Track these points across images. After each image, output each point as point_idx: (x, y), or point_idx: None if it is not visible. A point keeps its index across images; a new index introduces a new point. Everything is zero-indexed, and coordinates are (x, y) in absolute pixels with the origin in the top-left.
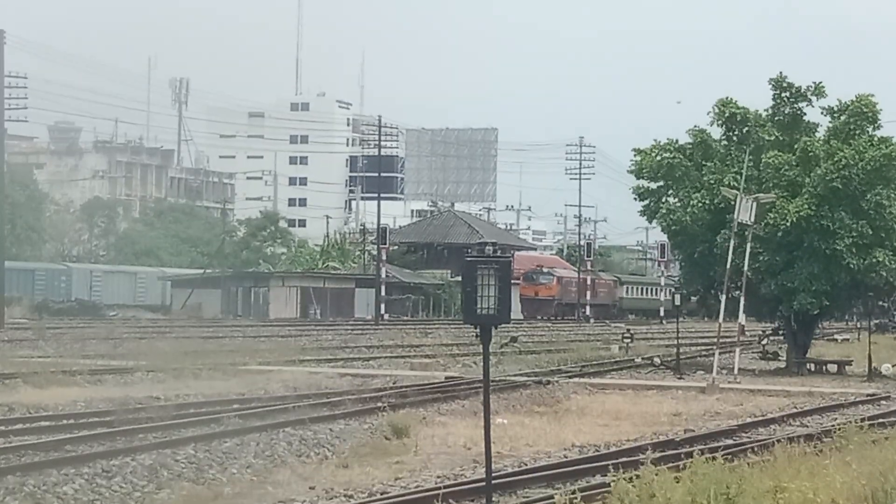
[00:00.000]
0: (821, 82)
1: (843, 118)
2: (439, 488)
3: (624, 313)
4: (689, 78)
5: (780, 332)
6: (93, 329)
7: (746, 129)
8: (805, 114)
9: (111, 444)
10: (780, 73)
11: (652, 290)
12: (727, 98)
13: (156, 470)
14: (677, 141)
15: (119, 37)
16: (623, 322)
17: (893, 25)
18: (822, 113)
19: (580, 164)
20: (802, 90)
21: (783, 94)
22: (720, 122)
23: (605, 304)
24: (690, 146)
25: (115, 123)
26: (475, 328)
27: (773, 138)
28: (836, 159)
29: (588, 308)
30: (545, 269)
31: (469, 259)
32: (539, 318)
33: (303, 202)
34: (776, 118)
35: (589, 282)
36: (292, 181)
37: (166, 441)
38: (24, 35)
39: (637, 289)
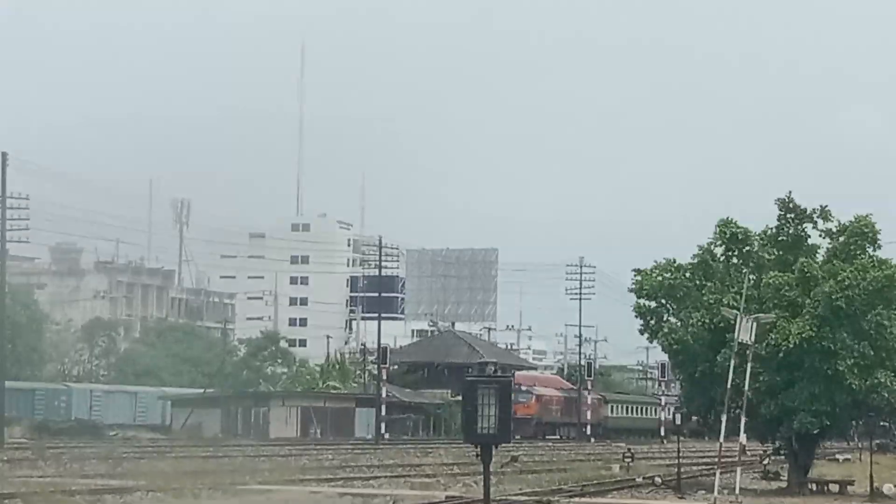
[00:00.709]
0: (826, 206)
1: (842, 239)
2: None
3: (609, 433)
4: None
5: (781, 452)
6: (93, 449)
7: (747, 248)
8: (809, 235)
9: None
10: (789, 193)
11: (640, 409)
12: (728, 218)
13: None
14: (675, 261)
15: (120, 158)
16: (623, 442)
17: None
18: (820, 235)
19: (580, 283)
20: (808, 212)
21: (788, 215)
22: (721, 242)
23: (590, 423)
24: (691, 266)
25: (116, 244)
26: (476, 447)
27: (773, 258)
28: (839, 279)
29: (564, 428)
30: (523, 388)
31: (470, 378)
32: (517, 437)
33: (303, 322)
34: (779, 238)
35: (570, 399)
36: (293, 301)
37: None
38: (25, 157)
39: (624, 407)
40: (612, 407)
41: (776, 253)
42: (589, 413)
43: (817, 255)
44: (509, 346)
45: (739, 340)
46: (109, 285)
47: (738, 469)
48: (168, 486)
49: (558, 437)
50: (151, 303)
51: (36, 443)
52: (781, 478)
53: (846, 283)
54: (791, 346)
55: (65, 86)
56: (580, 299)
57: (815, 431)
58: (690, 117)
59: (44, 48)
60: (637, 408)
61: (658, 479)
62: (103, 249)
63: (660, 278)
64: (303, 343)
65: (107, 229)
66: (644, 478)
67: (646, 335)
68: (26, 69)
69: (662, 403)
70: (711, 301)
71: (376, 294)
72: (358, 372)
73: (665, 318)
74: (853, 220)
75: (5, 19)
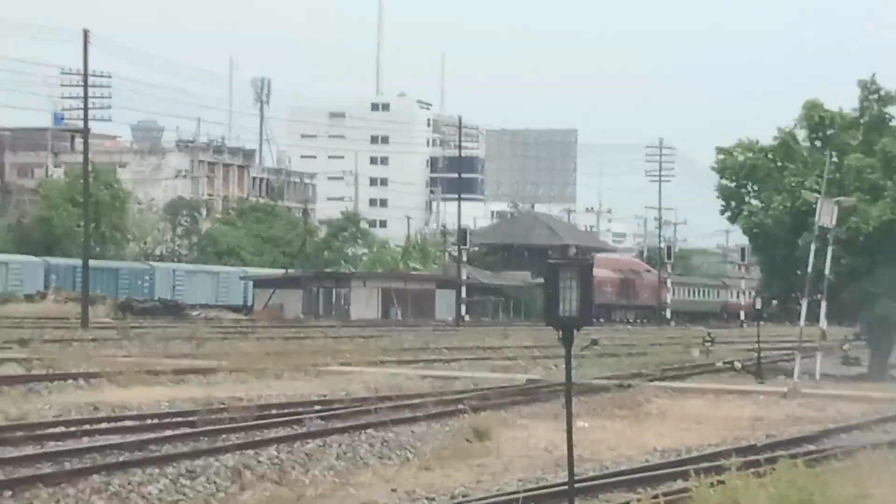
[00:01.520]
0: None
1: None
2: (520, 492)
3: (673, 316)
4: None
5: (862, 338)
6: (175, 329)
7: (831, 131)
8: (892, 117)
9: (195, 444)
10: (872, 75)
11: (704, 291)
12: (815, 100)
13: (239, 471)
14: (758, 142)
15: (202, 37)
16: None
17: None
18: None
19: (660, 165)
20: (893, 94)
21: (870, 97)
22: (806, 124)
23: (648, 305)
24: (773, 148)
25: (197, 123)
26: (557, 330)
27: (857, 142)
28: None
29: (621, 311)
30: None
31: (551, 262)
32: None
33: (384, 203)
34: (861, 120)
35: (626, 281)
36: (373, 181)
37: (249, 442)
38: (107, 35)
39: (687, 290)
40: (675, 289)
41: (859, 137)
42: (647, 295)
43: None
44: (589, 228)
45: (820, 224)
46: (191, 164)
47: (819, 354)
48: (250, 366)
49: (614, 320)
50: (232, 182)
51: (120, 322)
52: (862, 363)
53: None
54: (872, 229)
55: None
56: (660, 181)
57: None
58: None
59: None
60: (700, 290)
61: (738, 364)
62: (185, 128)
63: (742, 158)
64: (383, 224)
65: (188, 108)
66: (724, 362)
67: (726, 216)
68: None
69: (742, 287)
70: (793, 184)
71: (456, 175)
72: (438, 253)
73: (746, 201)
74: None
75: None
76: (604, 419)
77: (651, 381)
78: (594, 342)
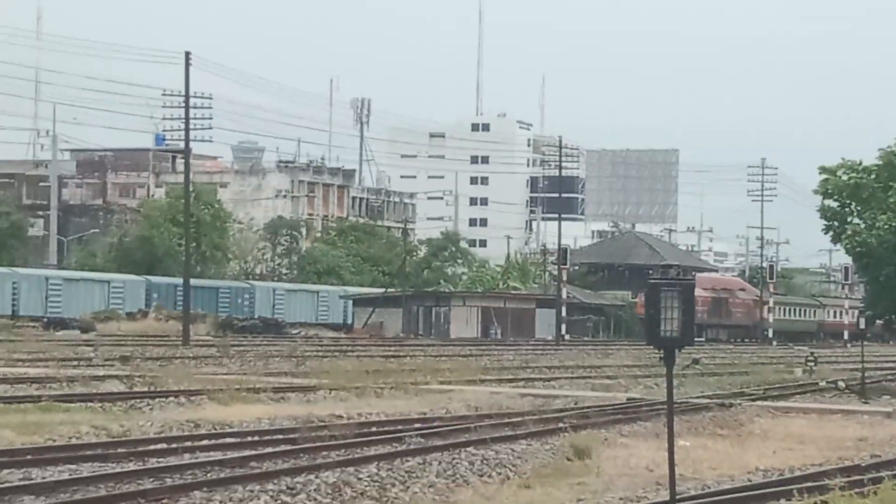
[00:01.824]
0: None
1: None
2: None
3: (767, 336)
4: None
5: None
6: (276, 347)
7: None
8: None
9: (295, 461)
10: None
11: (800, 310)
12: None
13: (339, 487)
14: (861, 162)
15: (302, 58)
16: (806, 345)
17: None
18: None
19: (762, 185)
20: None
21: None
22: None
23: (741, 325)
24: (877, 167)
25: (297, 143)
26: (658, 350)
27: None
28: None
29: (712, 330)
30: None
31: (653, 281)
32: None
33: (483, 222)
34: None
35: (718, 300)
36: (473, 201)
37: (349, 459)
38: (209, 56)
39: (785, 309)
40: (770, 308)
41: None
42: (740, 314)
43: None
44: (690, 248)
45: None
46: (291, 184)
47: None
48: (350, 384)
49: (703, 339)
50: (332, 202)
51: (220, 340)
52: None
53: None
54: None
55: None
56: (762, 200)
57: None
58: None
59: None
60: (798, 310)
61: (841, 384)
62: (285, 148)
63: (845, 178)
64: (483, 243)
65: (288, 128)
66: (827, 382)
67: (829, 236)
68: None
69: (845, 306)
70: None
71: (556, 194)
72: (538, 272)
73: (849, 221)
74: None
75: None
76: (705, 438)
77: (753, 400)
78: (695, 361)
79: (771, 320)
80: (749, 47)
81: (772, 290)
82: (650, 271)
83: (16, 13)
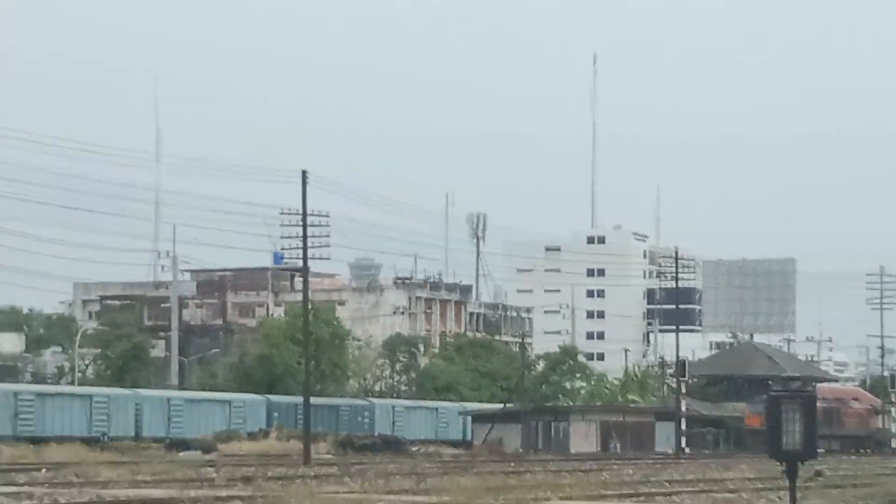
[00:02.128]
0: None
1: None
2: None
3: (882, 446)
4: None
5: None
6: (396, 464)
7: None
8: None
9: None
10: None
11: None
12: None
13: None
14: None
15: (417, 174)
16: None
17: None
18: None
19: (881, 293)
20: None
21: None
22: None
23: (854, 435)
24: None
25: (414, 259)
26: (780, 463)
27: None
28: None
29: (825, 441)
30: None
31: (773, 394)
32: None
33: (601, 335)
34: None
35: (829, 410)
36: (590, 314)
37: None
38: (325, 173)
39: None
40: (887, 418)
41: None
42: (853, 423)
43: None
44: (809, 358)
45: None
46: (408, 300)
47: None
48: (471, 501)
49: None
50: (450, 318)
51: (341, 458)
52: None
53: None
54: None
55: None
56: (881, 309)
57: None
58: None
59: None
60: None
61: None
62: (401, 265)
63: None
64: (600, 356)
65: (404, 244)
66: None
67: None
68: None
69: None
70: None
71: (673, 306)
72: (656, 385)
73: None
74: None
75: None
76: None
77: None
78: (818, 473)
79: (894, 430)
80: (865, 151)
81: (893, 399)
82: (770, 382)
83: (136, 136)
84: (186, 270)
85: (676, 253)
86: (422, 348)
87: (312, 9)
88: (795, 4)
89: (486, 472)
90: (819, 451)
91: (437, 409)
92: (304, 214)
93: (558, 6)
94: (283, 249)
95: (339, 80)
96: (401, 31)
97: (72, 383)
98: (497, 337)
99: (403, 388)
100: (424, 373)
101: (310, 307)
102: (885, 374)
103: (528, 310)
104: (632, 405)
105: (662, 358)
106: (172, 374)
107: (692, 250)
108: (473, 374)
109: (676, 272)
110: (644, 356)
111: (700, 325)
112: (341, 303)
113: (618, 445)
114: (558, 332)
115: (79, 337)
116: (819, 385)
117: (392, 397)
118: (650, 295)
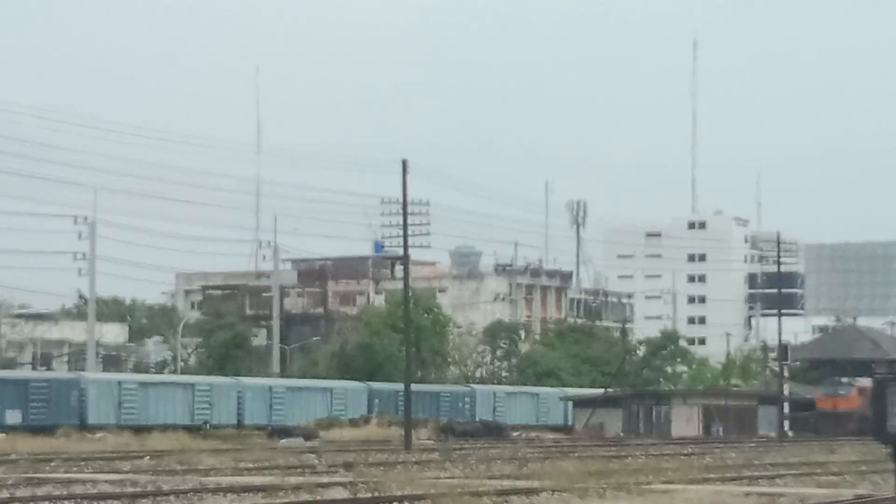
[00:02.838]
0: None
1: None
2: None
3: None
4: None
5: None
6: (497, 449)
7: None
8: None
9: None
10: None
11: None
12: None
13: None
14: None
15: (517, 162)
16: None
17: None
18: None
19: None
20: None
21: None
22: None
23: None
24: None
25: (514, 247)
26: (885, 445)
27: None
28: None
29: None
30: (844, 380)
31: (878, 377)
32: (837, 435)
33: (702, 320)
34: None
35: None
36: (691, 299)
37: None
38: (424, 162)
39: None
40: None
41: None
42: None
43: None
44: None
45: None
46: (509, 287)
47: None
48: (572, 485)
49: None
50: (550, 304)
51: (442, 444)
52: None
53: None
54: None
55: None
56: None
57: None
58: None
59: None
60: None
61: None
62: (502, 252)
63: None
64: (702, 341)
65: (505, 232)
66: None
67: None
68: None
69: None
70: None
71: (775, 290)
72: (759, 369)
73: None
74: None
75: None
76: None
77: None
78: None
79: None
80: None
81: None
82: (874, 365)
83: (237, 127)
84: (287, 260)
85: (778, 237)
86: (522, 335)
87: None
88: None
89: (587, 457)
90: None
91: (538, 394)
92: (405, 203)
93: None
94: (383, 238)
95: (437, 66)
96: (490, 12)
97: (174, 372)
98: (598, 323)
99: (504, 374)
100: (525, 359)
101: (410, 295)
102: None
103: (629, 295)
104: (734, 389)
105: (764, 342)
106: (274, 362)
107: (794, 234)
108: (574, 360)
109: (778, 256)
110: (746, 340)
111: (802, 308)
112: (442, 290)
113: (720, 429)
114: (659, 318)
115: (181, 327)
116: None
117: (493, 384)
118: (752, 279)
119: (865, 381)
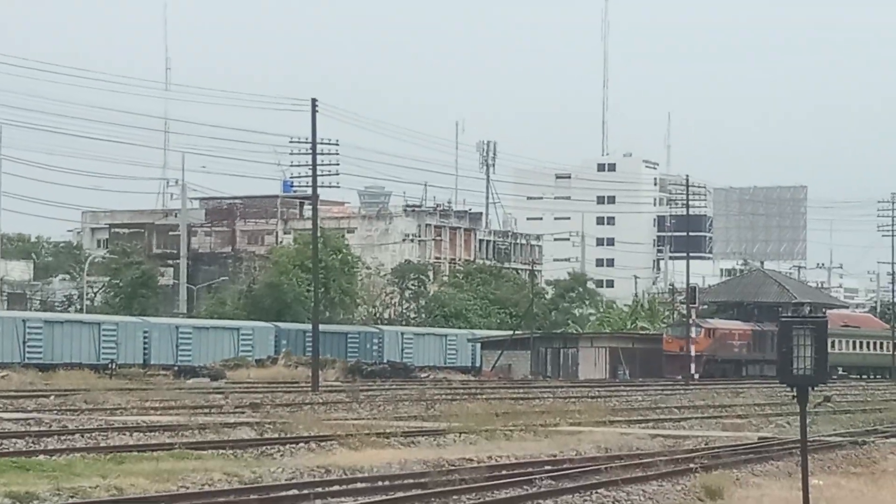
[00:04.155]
0: None
1: None
2: None
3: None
4: None
5: None
6: (405, 391)
7: None
8: None
9: None
10: None
11: (867, 344)
12: None
13: None
14: None
15: (427, 102)
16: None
17: None
18: None
19: (893, 220)
20: None
21: None
22: None
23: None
24: None
25: (424, 187)
26: (790, 388)
27: None
28: None
29: (754, 366)
30: (692, 321)
31: (785, 319)
32: (679, 378)
33: (610, 262)
34: None
35: (759, 335)
36: (599, 242)
37: (480, 503)
38: (333, 101)
39: (846, 343)
40: (831, 342)
41: None
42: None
43: None
44: (820, 285)
45: None
46: (418, 228)
47: None
48: (480, 427)
49: (743, 376)
50: (459, 245)
51: (349, 385)
52: None
53: None
54: None
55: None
56: (892, 235)
57: None
58: None
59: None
60: (862, 343)
61: None
62: (411, 192)
63: None
64: (610, 284)
65: (414, 173)
66: None
67: None
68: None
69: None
70: None
71: (684, 233)
72: (666, 312)
73: None
74: None
75: None
76: (839, 477)
77: (887, 437)
78: (827, 399)
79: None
80: (876, 84)
81: None
82: (780, 309)
83: (145, 64)
84: (195, 198)
85: (687, 180)
86: (431, 276)
87: None
88: None
89: (495, 399)
90: (837, 373)
91: (445, 335)
92: (314, 142)
93: None
94: (292, 177)
95: (351, 7)
96: None
97: (80, 311)
98: (506, 264)
99: (412, 315)
100: (433, 300)
101: (319, 235)
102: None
103: (538, 237)
104: (641, 332)
105: (672, 285)
106: (181, 301)
107: (703, 177)
108: (482, 302)
109: (687, 199)
110: (654, 283)
111: (710, 252)
112: (350, 230)
113: (627, 372)
114: (568, 260)
115: (87, 265)
116: (829, 311)
117: (401, 325)
118: (660, 222)
119: (721, 323)
